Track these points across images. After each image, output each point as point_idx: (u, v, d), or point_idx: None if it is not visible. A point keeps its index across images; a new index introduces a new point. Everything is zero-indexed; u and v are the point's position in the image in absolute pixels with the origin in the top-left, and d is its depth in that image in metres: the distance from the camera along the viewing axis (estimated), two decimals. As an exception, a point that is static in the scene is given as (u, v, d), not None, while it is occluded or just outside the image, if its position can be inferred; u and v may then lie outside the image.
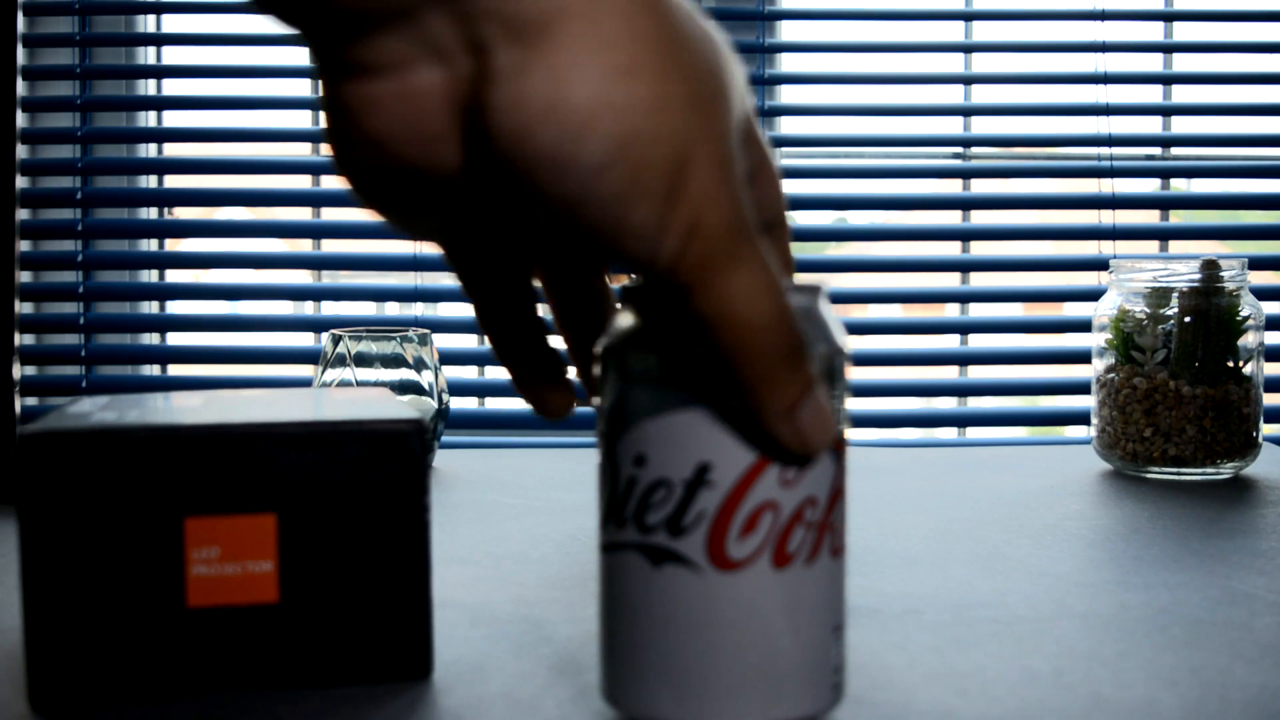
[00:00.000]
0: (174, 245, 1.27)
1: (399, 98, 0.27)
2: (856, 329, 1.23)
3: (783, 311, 0.29)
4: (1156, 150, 1.24)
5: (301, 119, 1.23)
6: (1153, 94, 1.25)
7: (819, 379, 0.31)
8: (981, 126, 1.26)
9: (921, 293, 1.21)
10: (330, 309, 1.28)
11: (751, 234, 0.28)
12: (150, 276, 1.24)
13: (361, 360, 0.80)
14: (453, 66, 0.27)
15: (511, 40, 0.26)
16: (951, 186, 1.27)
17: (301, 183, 1.23)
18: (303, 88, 1.22)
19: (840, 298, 1.34)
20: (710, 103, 0.28)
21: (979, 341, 1.24)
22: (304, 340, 1.25)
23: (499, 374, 1.25)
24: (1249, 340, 0.79)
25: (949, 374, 1.24)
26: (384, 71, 0.27)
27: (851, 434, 1.19)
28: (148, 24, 1.25)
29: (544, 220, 0.28)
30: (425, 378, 0.81)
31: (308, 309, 1.29)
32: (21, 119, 1.16)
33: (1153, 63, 1.24)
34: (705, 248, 0.27)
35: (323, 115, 0.29)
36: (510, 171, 0.27)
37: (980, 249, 1.22)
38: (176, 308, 1.25)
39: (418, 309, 1.18)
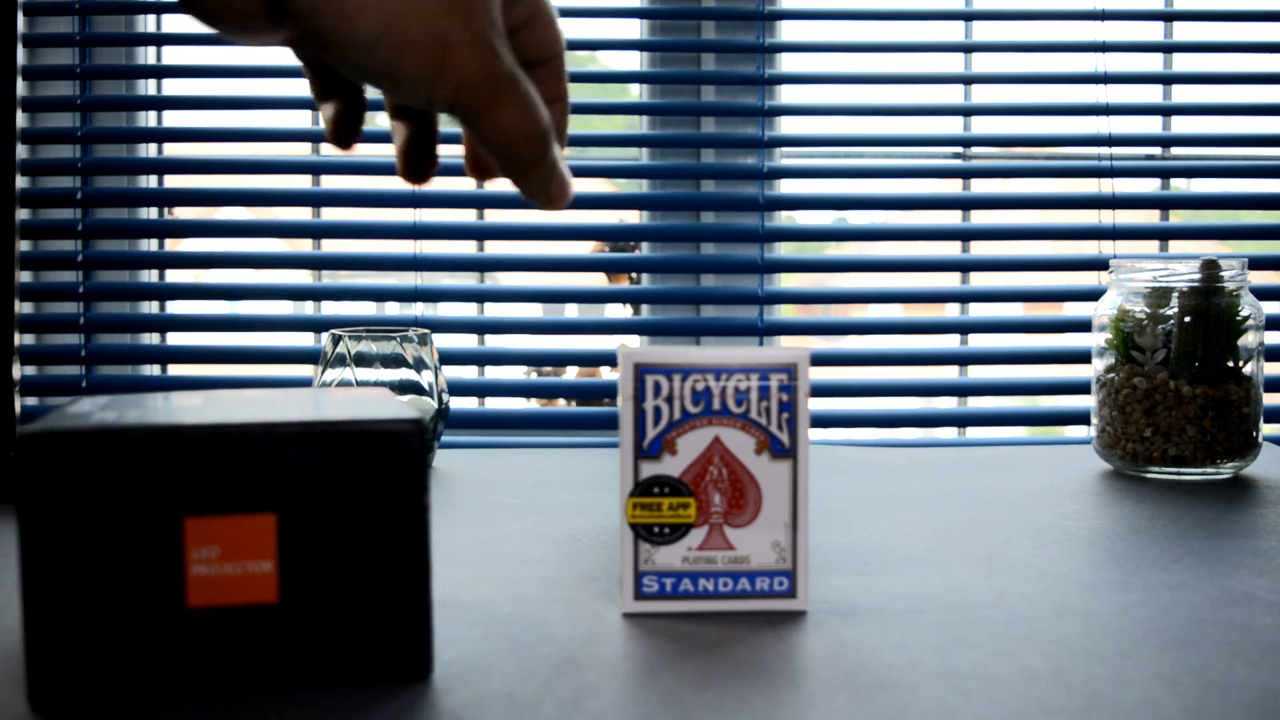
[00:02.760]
0: (174, 245, 1.26)
1: None
2: (856, 329, 1.23)
3: (537, 127, 0.41)
4: (1156, 150, 1.24)
5: (301, 119, 1.23)
6: (1153, 94, 1.25)
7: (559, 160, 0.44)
8: (981, 126, 1.26)
9: (921, 293, 1.21)
10: (330, 309, 1.28)
11: (511, 78, 0.40)
12: (150, 276, 1.24)
13: (361, 360, 0.80)
14: None
15: None
16: (951, 186, 1.27)
17: (301, 183, 1.23)
18: (303, 88, 1.22)
19: (840, 298, 1.34)
20: (469, 10, 0.38)
21: (979, 341, 1.24)
22: (304, 340, 1.25)
23: (499, 374, 1.25)
24: (1249, 340, 0.79)
25: (949, 374, 1.24)
26: None
27: (852, 434, 1.19)
28: (148, 24, 1.25)
29: (350, 76, 0.39)
30: (425, 378, 0.81)
31: (308, 309, 1.29)
32: (21, 119, 1.16)
33: (1153, 63, 1.25)
34: (474, 93, 0.39)
35: None
36: (314, 43, 0.38)
37: (980, 249, 1.22)
38: (176, 308, 1.25)
39: (418, 309, 1.18)
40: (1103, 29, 1.19)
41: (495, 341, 1.23)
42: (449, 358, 1.17)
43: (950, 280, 1.24)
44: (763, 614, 0.49)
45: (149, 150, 1.24)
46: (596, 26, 1.28)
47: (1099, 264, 1.18)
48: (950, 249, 1.24)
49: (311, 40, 0.38)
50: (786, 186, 1.23)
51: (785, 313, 1.25)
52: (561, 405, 1.31)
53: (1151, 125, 1.25)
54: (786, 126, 1.24)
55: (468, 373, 1.23)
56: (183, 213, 1.29)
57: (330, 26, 0.37)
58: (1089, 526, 0.65)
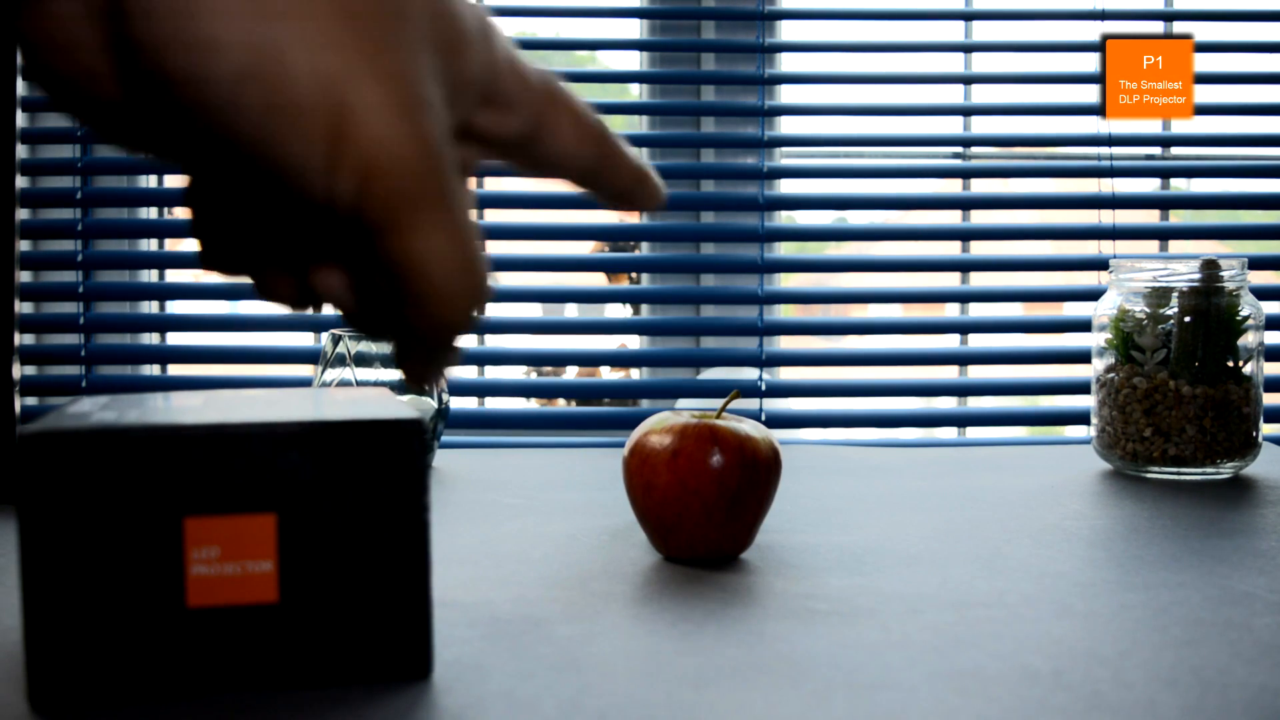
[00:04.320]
0: (174, 245, 1.26)
1: (41, 20, 0.27)
2: (856, 329, 1.23)
3: (475, 265, 0.29)
4: (1156, 150, 1.24)
5: (301, 119, 1.23)
6: (1153, 94, 1.25)
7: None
8: (981, 126, 1.26)
9: (921, 293, 1.21)
10: (330, 309, 1.27)
11: (444, 179, 0.28)
12: (150, 276, 1.24)
13: (361, 360, 0.80)
14: None
15: None
16: (951, 186, 1.27)
17: (301, 183, 1.23)
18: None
19: (840, 298, 1.34)
20: (384, 46, 0.27)
21: (979, 341, 1.24)
22: (304, 340, 1.25)
23: (499, 374, 1.25)
24: (1249, 340, 0.79)
25: (949, 374, 1.24)
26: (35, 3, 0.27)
27: (852, 434, 1.19)
28: (148, 24, 1.25)
29: (205, 151, 0.28)
30: (425, 378, 0.81)
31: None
32: (21, 119, 1.16)
33: (1153, 63, 1.25)
34: (388, 195, 0.27)
35: None
36: (162, 100, 0.27)
37: (980, 249, 1.22)
38: (176, 307, 1.25)
39: (418, 309, 1.18)
40: (1103, 29, 1.19)
41: (495, 341, 1.23)
42: (449, 358, 1.17)
43: (950, 280, 1.24)
44: (763, 614, 0.49)
45: (149, 150, 1.24)
46: (596, 26, 1.28)
47: (1099, 264, 1.18)
48: (950, 249, 1.24)
49: (157, 102, 0.27)
50: (786, 186, 1.23)
51: (785, 313, 1.25)
52: (561, 405, 1.31)
53: (1151, 125, 1.25)
54: (786, 126, 1.24)
55: (468, 373, 1.23)
56: (183, 212, 1.29)
57: (179, 65, 0.26)
58: (1089, 526, 0.65)
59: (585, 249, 1.29)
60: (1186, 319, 0.79)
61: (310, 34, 0.27)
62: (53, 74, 0.28)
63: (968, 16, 1.21)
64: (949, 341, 1.24)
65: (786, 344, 1.21)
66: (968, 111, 1.24)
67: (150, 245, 1.24)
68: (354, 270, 0.32)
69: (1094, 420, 0.83)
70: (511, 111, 0.33)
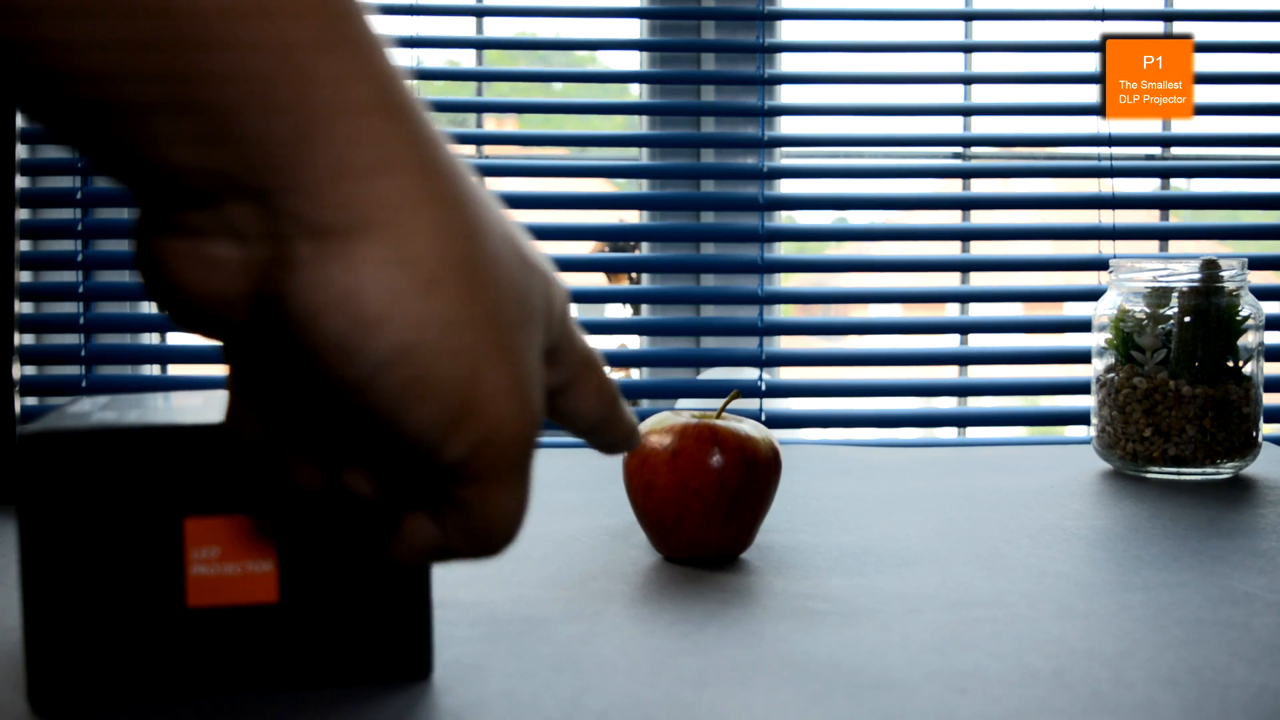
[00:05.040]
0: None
1: (194, 261, 0.28)
2: (857, 329, 1.23)
3: (523, 517, 0.32)
4: (1156, 150, 1.24)
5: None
6: (1153, 94, 1.25)
7: None
8: (981, 126, 1.26)
9: (921, 293, 1.21)
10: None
11: (531, 453, 0.31)
12: (150, 276, 1.24)
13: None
14: (250, 248, 0.28)
15: (309, 235, 0.27)
16: (951, 186, 1.27)
17: (301, 183, 1.23)
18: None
19: (840, 298, 1.34)
20: (511, 326, 0.30)
21: (979, 341, 1.24)
22: (304, 340, 1.25)
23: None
24: (1249, 340, 0.79)
25: (949, 374, 1.24)
26: (186, 233, 0.28)
27: (852, 434, 1.19)
28: (148, 24, 1.25)
29: (328, 398, 0.29)
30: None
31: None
32: (21, 119, 1.16)
33: (1153, 63, 1.25)
34: (493, 459, 0.30)
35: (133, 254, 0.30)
36: (302, 350, 0.28)
37: (980, 249, 1.22)
38: (176, 308, 1.25)
39: (418, 309, 1.18)
40: (1103, 29, 1.19)
41: (495, 341, 1.23)
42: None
43: (950, 280, 1.24)
44: (763, 614, 0.49)
45: (149, 150, 1.24)
46: (596, 26, 1.28)
47: (1099, 264, 1.18)
48: (950, 249, 1.24)
49: (295, 344, 0.28)
50: (786, 186, 1.23)
51: (785, 313, 1.25)
52: (561, 405, 1.31)
53: (1151, 125, 1.25)
54: (786, 126, 1.24)
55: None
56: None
57: (336, 331, 0.27)
58: (1089, 526, 0.65)
59: (585, 249, 1.29)
60: (1186, 319, 0.79)
61: (462, 314, 0.28)
62: (175, 294, 0.29)
63: (968, 16, 1.21)
64: (949, 341, 1.24)
65: (786, 344, 1.21)
66: (968, 111, 1.24)
67: (150, 245, 1.24)
68: (387, 481, 0.33)
69: (1094, 420, 0.83)
70: (556, 368, 0.36)
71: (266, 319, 0.28)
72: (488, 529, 0.32)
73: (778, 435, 0.76)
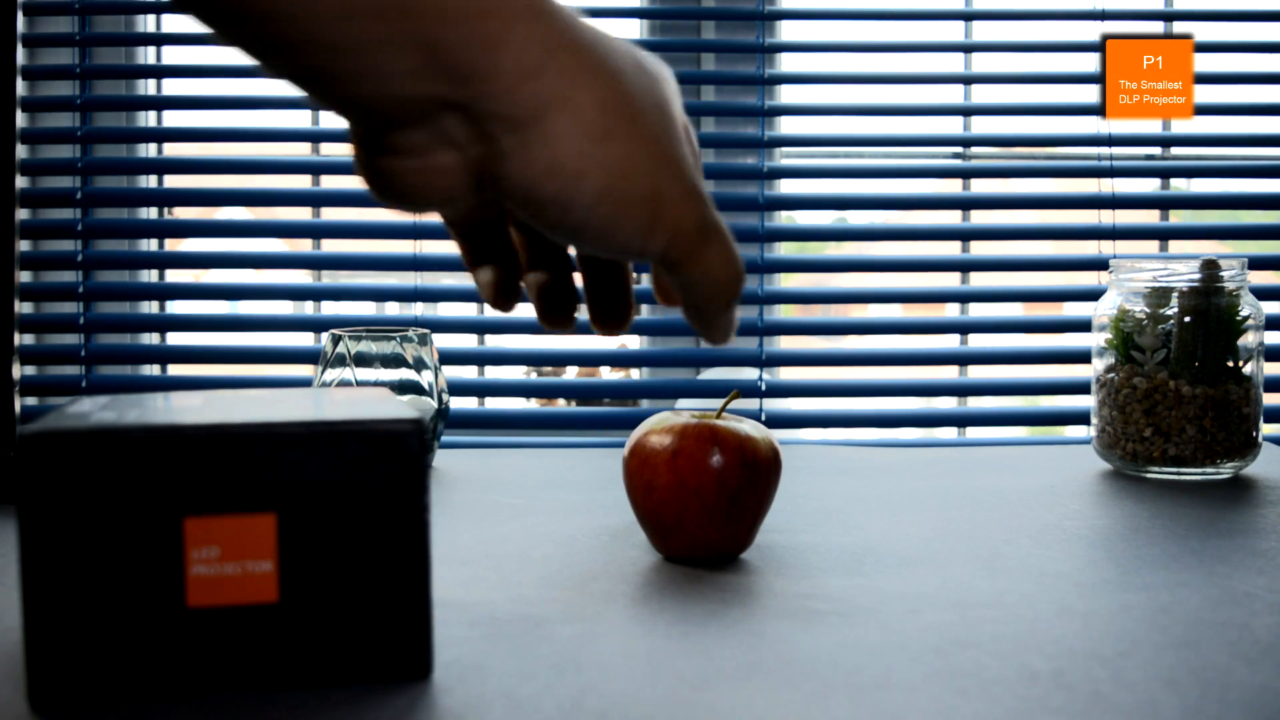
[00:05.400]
0: (174, 245, 1.26)
1: (423, 172, 0.36)
2: (857, 329, 1.23)
3: (737, 268, 0.39)
4: (1156, 150, 1.24)
5: (301, 119, 1.22)
6: (1153, 94, 1.25)
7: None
8: (981, 126, 1.26)
9: (921, 293, 1.21)
10: (330, 309, 1.27)
11: (715, 221, 0.39)
12: (150, 276, 1.24)
13: (361, 360, 0.80)
14: (465, 150, 0.35)
15: (510, 129, 0.35)
16: (951, 186, 1.27)
17: (301, 183, 1.22)
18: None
19: (840, 298, 1.34)
20: (664, 137, 0.37)
21: (979, 341, 1.24)
22: (304, 340, 1.25)
23: (499, 374, 1.25)
24: (1249, 340, 0.79)
25: (949, 374, 1.24)
26: (411, 153, 0.35)
27: (852, 434, 1.19)
28: (148, 24, 1.25)
29: (557, 238, 0.38)
30: (425, 378, 0.81)
31: (308, 309, 1.29)
32: (21, 119, 1.16)
33: (1153, 63, 1.24)
34: (685, 242, 0.38)
35: (358, 170, 0.37)
36: (525, 210, 0.36)
37: (980, 249, 1.22)
38: (176, 308, 1.25)
39: (418, 309, 1.18)
40: (1103, 29, 1.19)
41: (495, 341, 1.23)
42: (449, 358, 1.17)
43: (950, 280, 1.24)
44: (763, 614, 0.49)
45: (149, 150, 1.24)
46: (596, 26, 1.28)
47: (1099, 264, 1.18)
48: (950, 249, 1.24)
49: (519, 207, 0.36)
50: (786, 186, 1.23)
51: (785, 313, 1.25)
52: (561, 405, 1.32)
53: (1151, 125, 1.25)
54: (786, 126, 1.24)
55: (468, 373, 1.23)
56: (183, 213, 1.29)
57: (551, 193, 0.35)
58: (1089, 526, 0.65)
59: (585, 249, 1.29)
60: (1186, 319, 0.79)
61: (632, 149, 0.36)
62: (412, 198, 0.37)
63: (968, 16, 1.21)
64: (949, 341, 1.24)
65: (786, 344, 1.21)
66: (968, 111, 1.24)
67: (150, 245, 1.24)
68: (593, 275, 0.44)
69: (1094, 420, 0.83)
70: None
71: (490, 196, 0.36)
72: (714, 280, 0.39)
73: (778, 435, 0.76)
